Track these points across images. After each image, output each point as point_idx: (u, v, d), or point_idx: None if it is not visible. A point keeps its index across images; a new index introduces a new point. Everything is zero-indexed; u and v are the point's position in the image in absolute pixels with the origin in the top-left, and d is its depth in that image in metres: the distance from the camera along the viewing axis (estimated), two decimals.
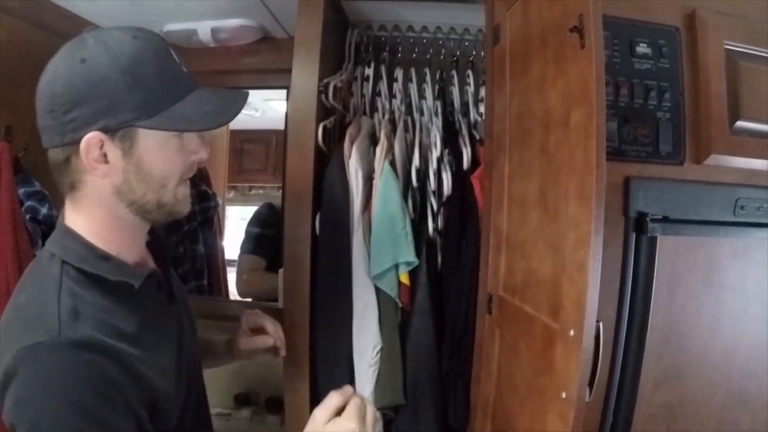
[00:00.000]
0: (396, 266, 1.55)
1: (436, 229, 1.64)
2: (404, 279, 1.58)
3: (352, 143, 1.59)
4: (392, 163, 1.59)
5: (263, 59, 2.22)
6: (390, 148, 1.61)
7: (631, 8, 1.17)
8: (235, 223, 2.83)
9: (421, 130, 1.74)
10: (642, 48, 1.16)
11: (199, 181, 2.54)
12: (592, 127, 0.91)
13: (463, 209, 1.59)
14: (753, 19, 1.21)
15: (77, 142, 0.88)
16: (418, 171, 1.62)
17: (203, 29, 2.07)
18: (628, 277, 1.11)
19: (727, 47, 1.18)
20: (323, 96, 1.62)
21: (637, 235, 1.10)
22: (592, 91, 0.92)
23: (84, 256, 0.93)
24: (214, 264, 2.62)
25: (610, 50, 1.14)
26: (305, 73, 1.61)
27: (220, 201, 2.70)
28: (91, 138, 0.88)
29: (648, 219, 1.08)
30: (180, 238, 2.47)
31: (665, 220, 1.11)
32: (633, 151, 1.14)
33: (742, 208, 1.15)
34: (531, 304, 1.17)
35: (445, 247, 1.62)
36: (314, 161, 1.59)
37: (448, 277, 1.60)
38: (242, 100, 1.02)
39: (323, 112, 1.66)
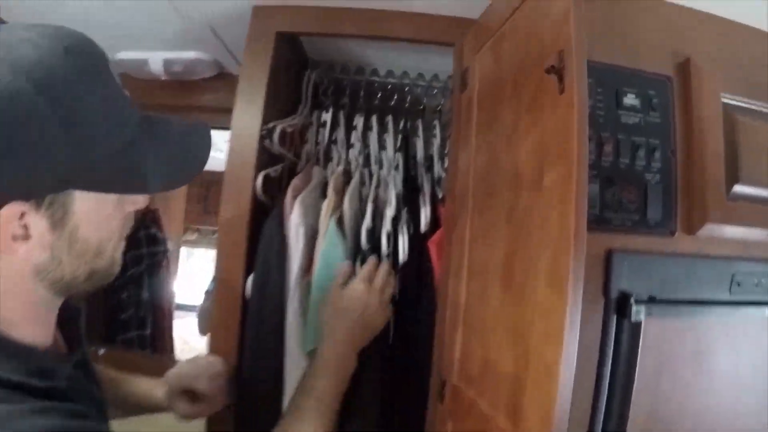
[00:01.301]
0: None
1: None
2: None
3: (294, 197, 1.38)
4: (340, 221, 1.40)
5: (220, 97, 2.02)
6: (339, 204, 1.41)
7: (618, 53, 1.02)
8: (201, 265, 2.89)
9: (378, 185, 1.56)
10: (630, 99, 1.01)
11: (150, 223, 2.43)
12: (572, 189, 0.73)
13: (419, 277, 1.39)
14: (752, 67, 1.09)
15: None
16: (371, 231, 1.43)
17: (155, 60, 1.90)
18: (606, 365, 0.95)
19: (725, 101, 1.05)
20: (267, 141, 1.44)
21: (618, 319, 0.94)
22: (572, 145, 0.74)
23: None
24: (159, 313, 2.45)
25: (593, 100, 0.98)
26: (246, 115, 1.43)
27: (170, 246, 2.56)
28: (7, 211, 0.62)
29: (632, 301, 0.92)
30: (123, 282, 2.32)
31: (651, 300, 0.96)
32: (617, 219, 0.98)
33: (738, 284, 1.02)
34: (488, 400, 0.98)
35: (397, 320, 1.40)
36: (250, 214, 1.40)
37: (399, 354, 1.39)
38: (206, 140, 0.80)
39: (268, 158, 1.48)
